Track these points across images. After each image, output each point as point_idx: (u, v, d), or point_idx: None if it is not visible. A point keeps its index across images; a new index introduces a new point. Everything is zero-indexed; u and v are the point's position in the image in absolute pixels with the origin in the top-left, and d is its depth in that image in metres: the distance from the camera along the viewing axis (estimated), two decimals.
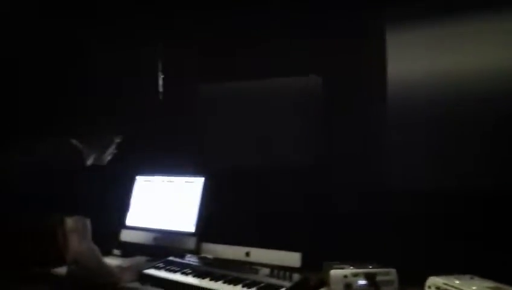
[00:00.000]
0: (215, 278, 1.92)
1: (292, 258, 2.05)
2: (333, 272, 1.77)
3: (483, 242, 1.80)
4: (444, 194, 1.94)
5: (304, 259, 2.04)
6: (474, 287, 1.53)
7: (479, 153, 1.92)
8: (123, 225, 2.50)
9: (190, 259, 2.15)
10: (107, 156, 2.16)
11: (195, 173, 2.40)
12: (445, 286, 1.58)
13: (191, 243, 2.26)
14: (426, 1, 2.03)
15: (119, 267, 2.12)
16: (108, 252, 2.37)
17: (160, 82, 2.85)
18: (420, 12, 2.05)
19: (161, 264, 2.09)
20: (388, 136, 2.10)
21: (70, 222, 1.85)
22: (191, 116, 2.70)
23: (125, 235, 2.49)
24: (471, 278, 1.63)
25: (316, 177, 2.25)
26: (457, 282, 1.58)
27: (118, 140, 2.16)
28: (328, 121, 2.27)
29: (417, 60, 2.05)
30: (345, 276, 1.76)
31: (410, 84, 2.06)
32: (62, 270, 2.12)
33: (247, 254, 2.13)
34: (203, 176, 2.37)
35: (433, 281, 1.64)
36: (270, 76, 2.42)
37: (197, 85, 2.66)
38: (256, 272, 1.94)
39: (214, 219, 2.29)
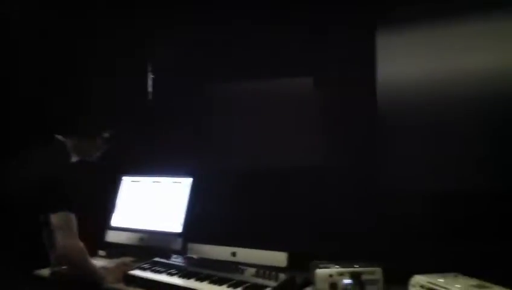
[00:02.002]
0: (200, 278, 1.91)
1: (279, 258, 2.04)
2: (319, 272, 1.76)
3: (467, 241, 1.80)
4: (430, 195, 1.94)
5: (291, 259, 2.03)
6: (458, 285, 1.53)
7: (469, 154, 1.92)
8: (109, 226, 2.48)
9: (176, 260, 2.14)
10: (95, 152, 2.12)
11: (183, 173, 2.39)
12: (429, 285, 1.58)
13: (177, 244, 2.24)
14: (417, 5, 2.04)
15: (104, 268, 2.10)
16: (93, 253, 2.35)
17: (150, 82, 2.84)
18: (411, 16, 2.06)
19: (146, 265, 2.08)
20: (379, 138, 2.11)
21: (54, 218, 1.83)
22: (181, 117, 2.69)
23: (111, 236, 2.47)
24: (455, 276, 1.63)
25: (303, 179, 2.25)
26: (441, 280, 1.58)
27: (106, 135, 2.12)
28: (321, 123, 2.28)
29: (407, 62, 2.06)
30: (331, 275, 1.75)
31: (400, 86, 2.07)
32: (45, 272, 2.10)
33: (233, 254, 2.12)
34: (191, 177, 2.36)
35: (417, 279, 1.63)
36: (264, 77, 2.43)
37: (190, 85, 2.65)
38: (242, 272, 1.93)
39: (200, 220, 2.28)
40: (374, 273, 1.75)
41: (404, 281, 1.68)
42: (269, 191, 2.32)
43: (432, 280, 1.59)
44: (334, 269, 1.76)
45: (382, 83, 2.10)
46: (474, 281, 1.56)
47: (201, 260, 2.14)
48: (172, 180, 2.41)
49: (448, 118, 1.95)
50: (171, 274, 1.98)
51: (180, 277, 1.95)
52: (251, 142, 2.46)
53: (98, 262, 2.22)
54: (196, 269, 2.00)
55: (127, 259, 2.29)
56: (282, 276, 1.85)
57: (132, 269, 2.03)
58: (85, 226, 1.90)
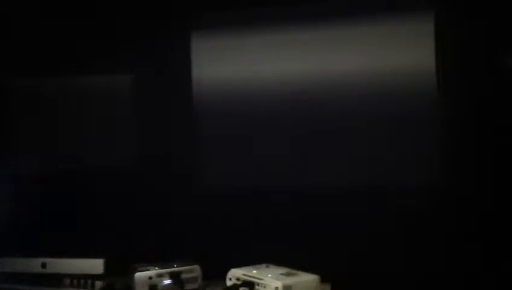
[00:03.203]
0: None
1: (95, 265, 1.94)
2: (138, 275, 1.74)
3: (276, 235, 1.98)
4: (248, 193, 2.07)
5: (108, 265, 1.95)
6: (269, 275, 1.65)
7: (287, 152, 2.07)
8: None
9: None
10: None
11: None
12: (244, 277, 1.68)
13: None
14: (232, 12, 2.13)
15: None
16: None
17: None
18: (226, 22, 2.15)
19: None
20: (197, 138, 2.15)
21: None
22: None
23: None
24: (267, 266, 1.76)
25: (116, 180, 2.19)
26: (255, 271, 1.69)
27: None
28: (137, 123, 2.24)
29: (221, 65, 2.15)
30: (150, 277, 1.74)
31: (214, 88, 2.15)
32: None
33: (43, 266, 1.96)
34: None
35: (233, 272, 1.72)
36: (76, 73, 2.28)
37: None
38: (55, 284, 1.81)
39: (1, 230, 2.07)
40: (193, 271, 1.80)
41: (222, 275, 1.75)
42: (80, 193, 2.20)
43: (247, 272, 1.69)
44: (153, 271, 1.75)
45: (197, 85, 2.17)
46: (283, 270, 1.71)
47: (6, 274, 1.93)
48: None
49: (264, 118, 2.09)
50: None
51: None
52: (59, 141, 2.30)
53: None
54: (1, 286, 1.81)
55: None
56: (98, 284, 1.79)
57: None
58: None
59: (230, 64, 2.15)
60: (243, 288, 1.66)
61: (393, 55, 1.96)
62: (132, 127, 2.24)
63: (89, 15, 2.24)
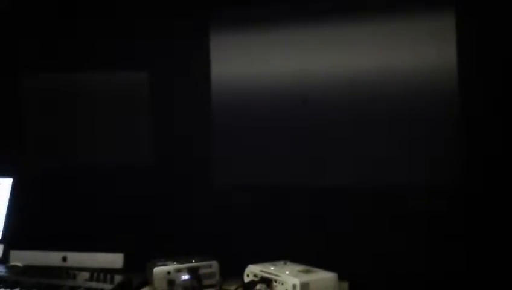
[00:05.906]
0: (26, 287, 1.76)
1: (114, 260, 1.98)
2: (156, 270, 1.75)
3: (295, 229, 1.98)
4: (262, 189, 2.08)
5: (127, 260, 1.98)
6: (287, 272, 1.65)
7: (295, 152, 2.08)
8: None
9: None
10: None
11: (2, 173, 2.16)
12: (261, 273, 1.68)
13: None
14: (251, 9, 2.13)
15: None
16: None
17: None
18: (244, 19, 2.15)
19: None
20: (213, 136, 2.16)
21: None
22: None
23: None
24: (285, 263, 1.77)
25: (135, 177, 2.21)
26: (273, 268, 1.70)
27: None
28: (156, 120, 2.25)
29: (240, 62, 2.15)
30: (168, 272, 1.76)
31: (233, 85, 2.15)
32: None
33: (64, 259, 1.99)
34: (11, 177, 2.15)
35: (251, 269, 1.73)
36: (96, 69, 2.31)
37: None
38: (74, 277, 1.82)
39: (24, 224, 2.10)
40: (210, 266, 1.81)
41: (240, 272, 1.76)
42: (100, 190, 2.22)
43: (264, 269, 1.70)
44: (172, 266, 1.77)
45: (216, 82, 2.17)
46: (301, 267, 1.71)
47: (27, 267, 1.96)
48: None
49: (280, 117, 2.09)
50: None
51: (0, 288, 1.76)
52: (78, 139, 2.33)
53: None
54: (21, 278, 1.83)
55: None
56: (118, 278, 1.79)
57: None
58: None
59: (251, 61, 2.14)
60: (260, 285, 1.66)
61: (408, 55, 1.95)
62: (150, 126, 2.26)
63: (108, 15, 2.26)
